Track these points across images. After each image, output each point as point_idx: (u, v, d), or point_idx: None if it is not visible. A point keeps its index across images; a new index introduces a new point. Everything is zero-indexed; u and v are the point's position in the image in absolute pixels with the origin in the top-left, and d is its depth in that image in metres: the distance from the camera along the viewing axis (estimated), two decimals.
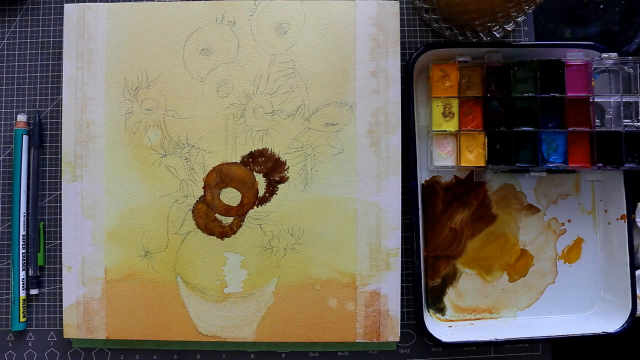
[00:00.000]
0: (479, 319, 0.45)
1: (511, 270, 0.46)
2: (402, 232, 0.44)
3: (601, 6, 0.49)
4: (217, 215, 0.44)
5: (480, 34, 0.46)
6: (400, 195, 0.44)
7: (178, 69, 0.45)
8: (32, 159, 0.46)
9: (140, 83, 0.44)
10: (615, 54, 0.43)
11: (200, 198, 0.44)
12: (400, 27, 0.45)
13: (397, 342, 0.45)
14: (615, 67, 0.44)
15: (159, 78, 0.44)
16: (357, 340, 0.43)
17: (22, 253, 0.45)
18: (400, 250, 0.44)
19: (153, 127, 0.44)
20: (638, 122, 0.43)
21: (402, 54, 0.45)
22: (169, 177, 0.44)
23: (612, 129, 0.44)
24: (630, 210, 0.45)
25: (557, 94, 0.43)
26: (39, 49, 0.47)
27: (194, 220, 0.44)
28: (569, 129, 0.43)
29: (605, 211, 0.46)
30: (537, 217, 0.46)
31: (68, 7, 0.45)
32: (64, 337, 0.44)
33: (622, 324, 0.43)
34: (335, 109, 0.44)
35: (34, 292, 0.45)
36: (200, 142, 0.44)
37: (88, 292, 0.44)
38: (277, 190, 0.44)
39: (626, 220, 0.44)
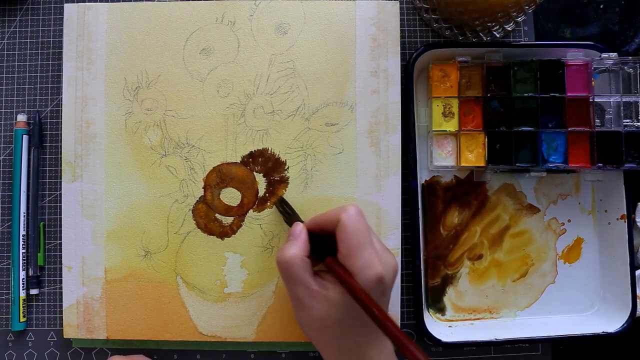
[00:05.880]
0: (479, 319, 0.45)
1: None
2: (402, 232, 0.44)
3: (601, 6, 0.49)
4: (217, 215, 0.44)
5: (480, 34, 0.46)
6: (400, 195, 0.44)
7: (178, 69, 0.44)
8: (32, 159, 0.46)
9: (140, 83, 0.44)
10: (615, 54, 0.43)
11: (200, 198, 0.44)
12: (400, 27, 0.45)
13: None
14: (615, 67, 0.44)
15: (159, 78, 0.44)
16: None
17: (22, 253, 0.45)
18: (400, 250, 0.44)
19: (153, 127, 0.44)
20: (638, 122, 0.43)
21: (402, 54, 0.45)
22: (169, 177, 0.44)
23: (612, 129, 0.44)
24: (630, 210, 0.45)
25: (557, 94, 0.43)
26: (39, 49, 0.47)
27: (194, 220, 0.44)
28: (569, 128, 0.43)
29: (605, 211, 0.46)
30: (537, 217, 0.46)
31: (68, 7, 0.45)
32: (64, 337, 0.44)
33: (622, 324, 0.43)
34: (335, 109, 0.44)
35: (34, 292, 0.45)
36: (200, 142, 0.44)
37: (88, 292, 0.44)
38: (277, 190, 0.44)
39: (626, 220, 0.44)
